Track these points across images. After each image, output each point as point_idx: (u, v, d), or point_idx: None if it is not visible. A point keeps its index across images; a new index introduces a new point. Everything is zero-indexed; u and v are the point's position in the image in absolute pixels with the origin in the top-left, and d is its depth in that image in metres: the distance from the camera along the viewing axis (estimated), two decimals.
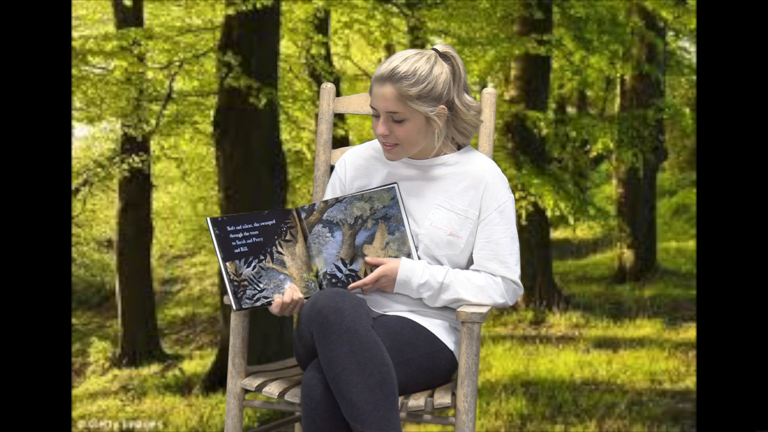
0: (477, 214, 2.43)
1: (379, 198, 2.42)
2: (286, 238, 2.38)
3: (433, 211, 2.43)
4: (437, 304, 2.42)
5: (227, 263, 2.31)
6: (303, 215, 2.41)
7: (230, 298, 2.31)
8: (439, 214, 2.42)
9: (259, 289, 2.33)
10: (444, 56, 2.39)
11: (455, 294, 2.39)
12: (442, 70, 2.36)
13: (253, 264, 2.34)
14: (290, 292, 2.33)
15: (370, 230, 2.41)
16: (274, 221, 2.38)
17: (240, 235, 2.34)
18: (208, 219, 2.34)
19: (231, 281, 2.31)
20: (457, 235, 2.41)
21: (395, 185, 2.43)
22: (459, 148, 2.50)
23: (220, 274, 2.35)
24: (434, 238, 2.41)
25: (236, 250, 2.33)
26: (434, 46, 2.42)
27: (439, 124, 2.38)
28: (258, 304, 2.33)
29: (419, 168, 2.46)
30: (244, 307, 2.31)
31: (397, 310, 2.44)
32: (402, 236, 2.41)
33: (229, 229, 2.33)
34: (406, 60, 2.34)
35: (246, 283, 2.32)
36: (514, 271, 2.43)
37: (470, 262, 2.46)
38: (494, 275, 2.42)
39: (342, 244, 2.40)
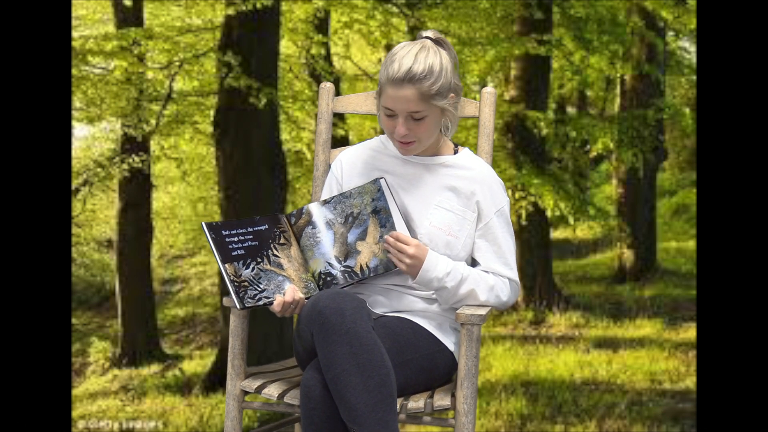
0: (475, 215, 2.43)
1: (366, 192, 2.42)
2: (281, 241, 2.40)
3: (432, 212, 2.43)
4: (451, 299, 2.41)
5: (226, 265, 2.32)
6: (292, 220, 2.42)
7: (233, 298, 2.31)
8: (438, 214, 2.42)
9: (260, 289, 2.33)
10: (438, 43, 2.38)
11: (471, 286, 2.38)
12: (447, 59, 2.35)
13: (251, 266, 2.34)
14: (291, 291, 2.33)
15: (362, 226, 2.41)
16: (266, 226, 2.40)
17: (236, 239, 2.35)
18: (204, 224, 2.35)
19: (232, 282, 2.31)
20: (455, 235, 2.42)
21: (382, 178, 2.43)
22: (455, 151, 2.50)
23: (220, 275, 2.35)
24: (433, 238, 2.41)
25: (234, 253, 2.34)
26: (425, 35, 2.39)
27: (452, 112, 2.39)
28: (260, 303, 2.33)
29: (418, 166, 2.47)
30: (247, 305, 2.32)
31: (398, 310, 2.44)
32: (393, 228, 2.40)
33: (224, 233, 2.35)
34: (416, 58, 2.31)
35: (246, 283, 2.32)
36: (515, 272, 2.46)
37: (467, 263, 2.47)
38: (500, 276, 2.44)
39: (335, 243, 2.41)
